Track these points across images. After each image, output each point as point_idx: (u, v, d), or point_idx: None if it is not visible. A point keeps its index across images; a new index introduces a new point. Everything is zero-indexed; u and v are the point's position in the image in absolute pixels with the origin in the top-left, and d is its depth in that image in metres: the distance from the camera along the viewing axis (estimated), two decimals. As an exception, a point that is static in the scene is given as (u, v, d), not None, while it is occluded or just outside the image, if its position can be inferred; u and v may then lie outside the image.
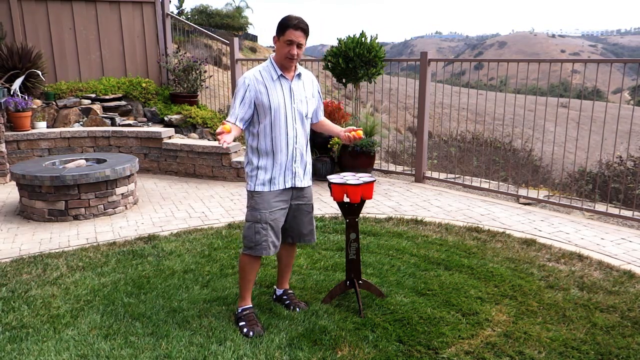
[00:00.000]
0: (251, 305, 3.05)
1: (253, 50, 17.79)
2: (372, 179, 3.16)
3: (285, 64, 2.82)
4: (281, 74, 2.85)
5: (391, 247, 4.16)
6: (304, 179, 3.01)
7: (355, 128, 3.02)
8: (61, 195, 5.00)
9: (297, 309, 3.14)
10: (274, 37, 2.83)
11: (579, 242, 4.36)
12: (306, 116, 2.96)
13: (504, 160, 11.47)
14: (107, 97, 7.76)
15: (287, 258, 3.23)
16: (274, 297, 3.31)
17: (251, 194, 2.91)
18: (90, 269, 3.81)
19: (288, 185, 2.93)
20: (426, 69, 6.25)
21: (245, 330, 2.89)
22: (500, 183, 6.49)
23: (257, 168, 2.87)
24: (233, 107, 2.81)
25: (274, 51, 2.91)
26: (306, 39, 2.81)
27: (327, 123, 3.24)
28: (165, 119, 7.76)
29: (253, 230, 2.88)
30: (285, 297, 3.24)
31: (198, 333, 2.90)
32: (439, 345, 2.77)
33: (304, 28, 2.76)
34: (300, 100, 2.92)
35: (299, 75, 2.93)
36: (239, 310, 3.02)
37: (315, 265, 3.82)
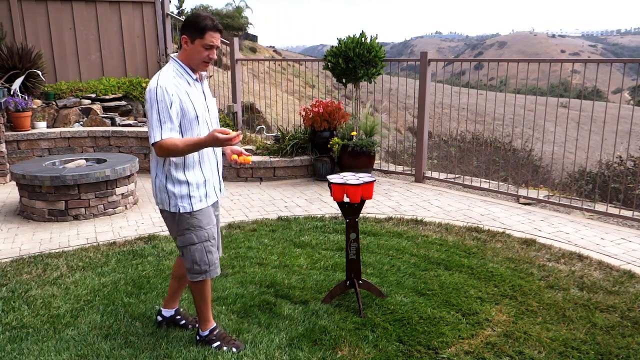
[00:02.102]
0: (215, 323, 2.82)
1: (253, 50, 17.80)
2: (372, 179, 3.16)
3: (200, 68, 2.56)
4: (196, 78, 2.59)
5: (391, 247, 4.16)
6: (222, 187, 2.81)
7: (244, 152, 2.73)
8: (61, 195, 5.00)
9: (198, 325, 2.86)
10: (183, 37, 2.51)
11: (579, 242, 4.36)
12: (216, 119, 2.76)
13: (504, 160, 11.47)
14: (107, 97, 7.76)
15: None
16: (160, 319, 2.98)
17: (189, 215, 2.58)
18: (90, 269, 3.81)
19: (218, 196, 2.75)
20: (426, 69, 6.26)
21: (226, 348, 2.71)
22: (500, 183, 6.49)
23: (188, 185, 2.56)
24: (160, 121, 2.40)
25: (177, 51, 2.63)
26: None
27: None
28: (165, 119, 7.75)
29: (204, 251, 2.63)
30: (179, 317, 2.99)
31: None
32: (439, 345, 2.78)
33: (221, 29, 2.53)
34: (211, 102, 2.72)
35: (202, 76, 2.69)
36: (207, 333, 2.77)
37: (315, 265, 3.82)
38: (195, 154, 2.55)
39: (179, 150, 2.42)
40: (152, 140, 2.42)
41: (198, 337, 2.79)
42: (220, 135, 2.35)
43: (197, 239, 2.61)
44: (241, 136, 2.41)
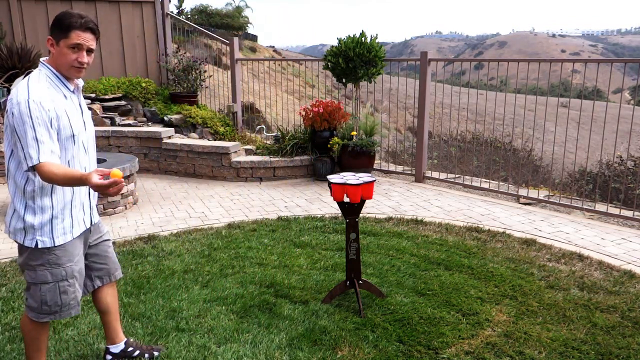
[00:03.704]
0: None
1: (253, 50, 17.79)
2: (372, 179, 3.16)
3: (71, 74, 2.19)
4: (72, 89, 2.25)
5: (391, 247, 4.15)
6: (95, 211, 2.47)
7: (111, 171, 2.07)
8: (61, 195, 4.99)
9: (156, 353, 2.68)
10: (48, 39, 2.16)
11: (579, 242, 4.35)
12: (93, 137, 2.42)
13: (504, 160, 11.47)
14: (106, 97, 7.76)
15: (114, 300, 2.61)
16: (110, 358, 2.64)
17: (47, 250, 2.21)
18: (90, 269, 3.80)
19: (88, 225, 2.37)
20: (426, 68, 6.25)
21: None
22: (501, 183, 6.48)
23: (52, 216, 2.20)
24: (37, 140, 2.03)
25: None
26: (97, 41, 2.23)
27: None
28: (165, 118, 7.76)
29: (57, 292, 2.25)
30: (130, 348, 2.65)
31: (198, 333, 2.90)
32: (439, 345, 2.77)
33: (93, 28, 2.17)
34: (88, 118, 2.36)
35: (78, 86, 2.30)
36: None
37: (315, 265, 3.82)
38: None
39: (56, 182, 2.06)
40: (30, 163, 2.03)
41: None
42: (97, 181, 1.97)
43: (52, 278, 2.24)
44: (122, 185, 2.02)
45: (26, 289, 2.31)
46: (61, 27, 2.13)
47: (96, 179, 1.97)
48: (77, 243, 2.32)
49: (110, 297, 2.57)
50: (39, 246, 2.20)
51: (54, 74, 2.19)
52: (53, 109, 2.10)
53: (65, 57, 2.15)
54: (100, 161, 5.61)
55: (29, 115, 2.03)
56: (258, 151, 7.05)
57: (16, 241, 2.25)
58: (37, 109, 2.05)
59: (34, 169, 2.06)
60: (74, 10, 2.19)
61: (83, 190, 2.32)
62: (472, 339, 2.85)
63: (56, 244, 2.22)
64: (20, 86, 2.10)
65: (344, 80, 6.69)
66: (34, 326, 2.33)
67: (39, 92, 2.09)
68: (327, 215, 5.07)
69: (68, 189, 2.24)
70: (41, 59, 2.22)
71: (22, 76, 2.21)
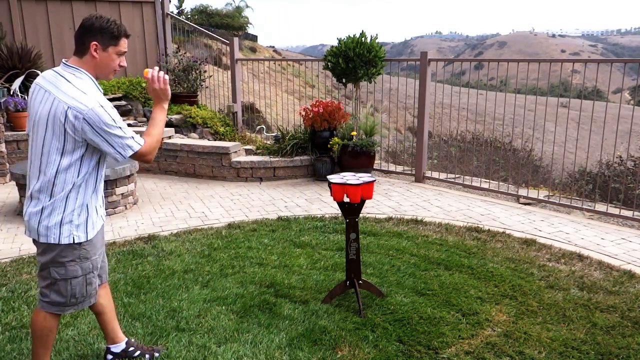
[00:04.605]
0: None
1: (253, 50, 17.79)
2: (372, 179, 3.16)
3: (109, 77, 2.35)
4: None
5: (391, 247, 4.16)
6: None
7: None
8: (61, 195, 4.99)
9: (157, 354, 2.70)
10: (93, 44, 2.22)
11: (579, 242, 4.35)
12: None
13: (504, 160, 11.47)
14: (106, 97, 7.76)
15: (108, 301, 2.61)
16: (110, 358, 2.65)
17: (78, 246, 2.28)
18: (90, 269, 3.80)
19: (105, 219, 2.49)
20: (426, 68, 6.25)
21: None
22: (500, 183, 6.49)
23: (88, 209, 2.29)
24: (124, 130, 2.22)
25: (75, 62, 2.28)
26: None
27: None
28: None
29: (85, 284, 2.34)
30: (131, 348, 2.66)
31: (198, 333, 2.90)
32: (439, 345, 2.78)
33: (129, 35, 2.40)
34: None
35: None
36: None
37: (315, 265, 3.82)
38: (99, 175, 2.33)
39: (159, 140, 2.37)
40: (131, 151, 2.23)
41: None
42: (156, 84, 2.38)
43: (82, 272, 2.32)
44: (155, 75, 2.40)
45: (47, 285, 2.31)
46: (112, 34, 2.27)
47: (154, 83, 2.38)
48: (99, 236, 2.43)
49: (103, 298, 2.57)
50: (75, 241, 2.26)
51: (92, 81, 2.27)
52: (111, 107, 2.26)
53: (113, 62, 2.30)
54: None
55: (108, 116, 2.17)
56: (258, 151, 7.06)
57: (46, 242, 2.24)
58: (111, 108, 2.20)
59: (134, 156, 2.27)
60: (107, 16, 2.33)
61: (101, 186, 2.41)
62: (472, 338, 2.86)
63: (89, 238, 2.31)
64: (74, 92, 2.16)
65: (344, 81, 6.69)
66: (48, 323, 2.36)
67: (98, 95, 2.21)
68: (327, 215, 5.07)
69: (94, 185, 2.32)
70: (71, 64, 2.24)
71: (43, 78, 2.25)
